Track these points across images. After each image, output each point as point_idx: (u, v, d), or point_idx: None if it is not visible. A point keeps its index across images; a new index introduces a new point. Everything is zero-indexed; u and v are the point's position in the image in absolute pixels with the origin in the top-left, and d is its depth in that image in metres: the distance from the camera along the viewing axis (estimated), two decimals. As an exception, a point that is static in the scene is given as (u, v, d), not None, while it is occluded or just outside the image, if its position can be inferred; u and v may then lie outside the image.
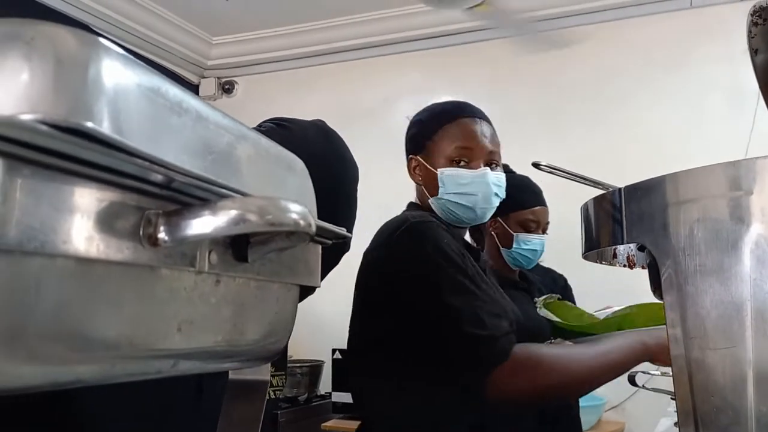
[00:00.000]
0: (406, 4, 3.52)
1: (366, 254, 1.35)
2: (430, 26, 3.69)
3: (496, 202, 1.40)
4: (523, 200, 1.94)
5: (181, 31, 3.95)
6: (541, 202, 1.98)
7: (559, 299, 1.66)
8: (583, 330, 1.53)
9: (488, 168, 1.37)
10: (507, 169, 1.95)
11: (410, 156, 1.45)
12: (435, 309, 1.18)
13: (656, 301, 1.23)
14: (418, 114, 1.52)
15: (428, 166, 1.39)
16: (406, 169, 1.46)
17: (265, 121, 1.11)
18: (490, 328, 1.16)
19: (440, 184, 1.36)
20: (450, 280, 1.19)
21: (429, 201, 1.40)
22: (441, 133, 1.40)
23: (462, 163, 1.36)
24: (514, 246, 1.91)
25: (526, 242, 1.91)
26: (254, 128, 1.01)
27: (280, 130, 1.08)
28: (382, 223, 1.38)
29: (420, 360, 1.23)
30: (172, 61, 3.95)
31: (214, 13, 3.81)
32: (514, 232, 1.92)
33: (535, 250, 1.92)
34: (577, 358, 1.21)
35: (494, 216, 1.92)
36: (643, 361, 1.24)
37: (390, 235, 1.30)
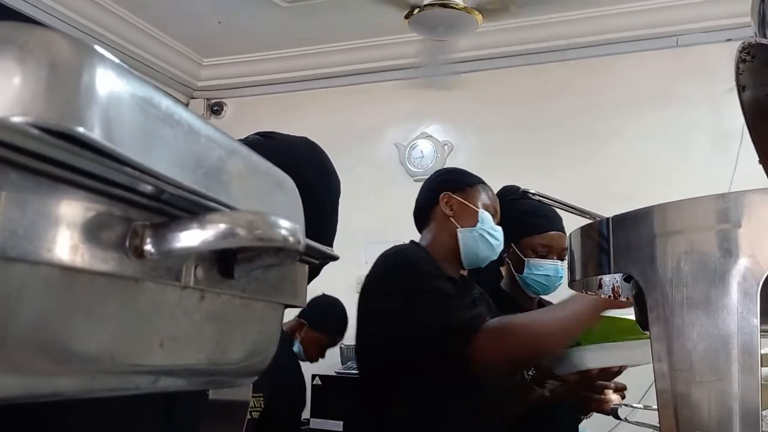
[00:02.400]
0: (397, 32, 3.56)
1: None
2: (419, 55, 3.73)
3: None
4: (534, 225, 1.95)
5: (172, 51, 3.96)
6: (555, 227, 1.98)
7: None
8: None
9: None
10: (524, 194, 1.95)
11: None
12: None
13: (626, 317, 1.32)
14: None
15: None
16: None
17: (251, 135, 1.11)
18: (461, 311, 1.43)
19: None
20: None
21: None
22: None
23: None
24: (525, 271, 1.92)
25: (537, 267, 1.91)
26: (239, 140, 1.02)
27: (264, 141, 1.08)
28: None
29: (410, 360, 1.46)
30: (161, 80, 3.95)
31: (205, 35, 3.83)
32: (526, 257, 1.93)
33: (548, 276, 1.92)
34: (541, 320, 1.46)
35: (508, 242, 1.95)
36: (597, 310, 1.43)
37: None
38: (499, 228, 1.72)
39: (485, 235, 1.67)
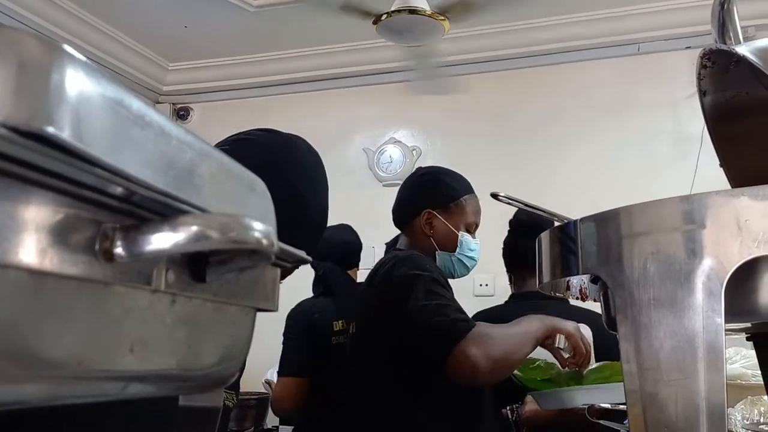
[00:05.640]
0: (364, 38, 3.56)
1: None
2: (387, 61, 3.74)
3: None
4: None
5: (137, 56, 3.91)
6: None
7: None
8: (543, 379, 1.54)
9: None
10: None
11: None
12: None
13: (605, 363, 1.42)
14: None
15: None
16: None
17: (223, 141, 1.10)
18: (452, 316, 1.39)
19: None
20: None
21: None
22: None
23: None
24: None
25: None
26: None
27: (243, 143, 1.08)
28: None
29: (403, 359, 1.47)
30: (126, 84, 3.88)
31: (171, 39, 3.79)
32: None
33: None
34: (512, 333, 1.42)
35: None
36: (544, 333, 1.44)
37: None
38: (477, 244, 1.68)
39: (462, 259, 1.67)
